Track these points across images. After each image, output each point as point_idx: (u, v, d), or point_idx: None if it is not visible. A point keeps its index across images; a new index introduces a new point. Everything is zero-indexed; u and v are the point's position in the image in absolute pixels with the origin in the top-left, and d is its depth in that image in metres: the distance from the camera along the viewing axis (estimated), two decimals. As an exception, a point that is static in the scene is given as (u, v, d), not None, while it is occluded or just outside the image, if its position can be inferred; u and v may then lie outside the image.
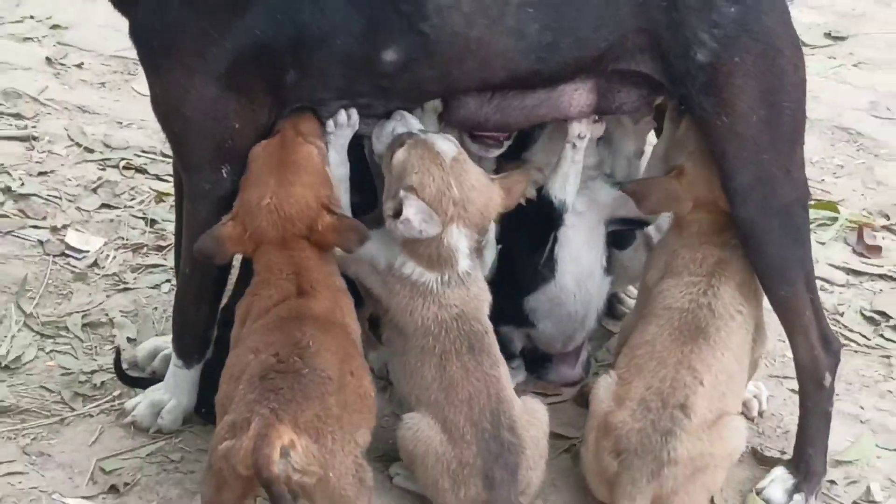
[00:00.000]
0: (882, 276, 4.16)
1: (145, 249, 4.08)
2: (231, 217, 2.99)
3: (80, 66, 5.18)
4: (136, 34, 3.05)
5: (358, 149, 3.21)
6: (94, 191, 4.37)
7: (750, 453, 3.29)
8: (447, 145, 3.09)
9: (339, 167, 3.13)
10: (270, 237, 2.98)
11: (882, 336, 3.88)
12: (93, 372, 3.52)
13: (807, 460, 3.21)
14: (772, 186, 3.08)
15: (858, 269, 4.19)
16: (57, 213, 4.22)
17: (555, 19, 2.99)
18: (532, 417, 3.10)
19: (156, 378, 3.42)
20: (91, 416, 3.38)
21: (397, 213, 3.03)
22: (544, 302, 3.41)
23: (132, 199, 4.34)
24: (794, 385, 3.29)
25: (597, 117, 3.23)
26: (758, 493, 3.21)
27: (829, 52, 5.57)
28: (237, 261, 3.20)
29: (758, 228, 3.11)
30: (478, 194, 3.09)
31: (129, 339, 3.64)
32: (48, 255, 4.02)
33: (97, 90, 5.04)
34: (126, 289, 3.90)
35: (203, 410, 3.29)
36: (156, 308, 3.80)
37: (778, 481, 3.21)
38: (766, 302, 3.22)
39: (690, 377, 3.05)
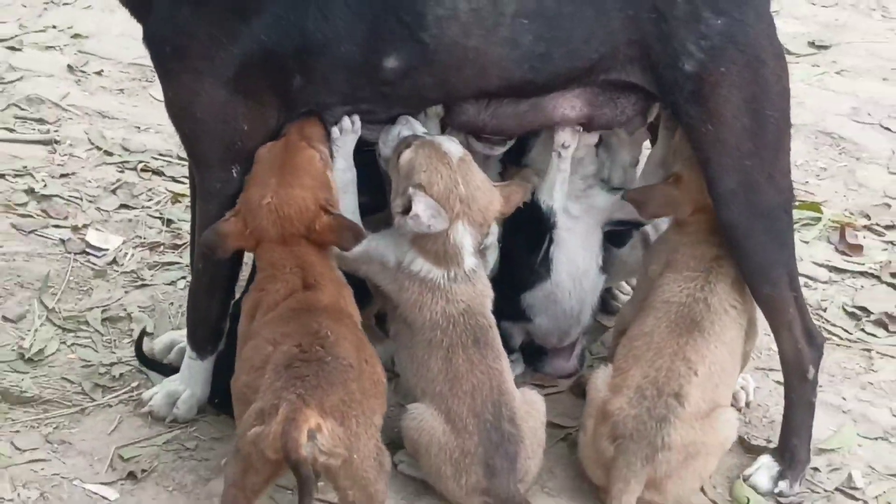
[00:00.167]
0: (863, 274, 4.16)
1: (162, 248, 4.11)
2: (234, 213, 3.02)
3: (99, 73, 5.19)
4: (149, 40, 3.09)
5: (370, 154, 3.24)
6: (114, 192, 4.40)
7: (737, 442, 3.29)
8: (453, 146, 3.14)
9: (345, 172, 3.16)
10: (270, 235, 3.00)
11: (863, 330, 3.90)
12: (112, 364, 3.56)
13: (791, 449, 3.24)
14: (755, 191, 3.10)
15: (841, 266, 4.20)
16: (78, 213, 4.26)
17: (548, 30, 3.02)
18: (531, 408, 3.13)
19: (173, 366, 3.46)
20: (110, 406, 3.42)
21: (406, 210, 3.07)
22: (541, 299, 3.45)
23: (149, 200, 4.36)
24: (780, 377, 3.32)
25: (580, 128, 3.24)
26: (745, 480, 3.25)
27: (812, 60, 5.50)
28: (249, 258, 3.23)
29: (742, 231, 3.13)
30: (482, 194, 3.14)
31: (146, 333, 3.61)
32: (69, 253, 4.04)
33: (116, 96, 5.05)
34: (144, 285, 3.93)
35: (216, 400, 3.33)
36: (172, 303, 3.83)
37: (764, 468, 3.25)
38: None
39: (685, 367, 3.08)
